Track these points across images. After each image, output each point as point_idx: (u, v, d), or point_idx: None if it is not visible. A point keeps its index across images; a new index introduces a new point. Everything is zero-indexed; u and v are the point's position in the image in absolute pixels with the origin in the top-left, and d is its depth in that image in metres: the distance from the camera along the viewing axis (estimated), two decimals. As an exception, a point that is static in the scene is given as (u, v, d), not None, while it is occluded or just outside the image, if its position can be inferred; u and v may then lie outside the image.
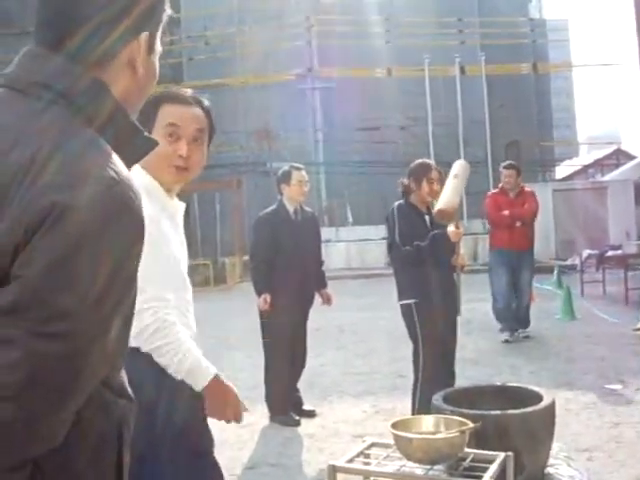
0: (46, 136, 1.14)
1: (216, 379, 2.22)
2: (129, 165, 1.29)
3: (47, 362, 1.06)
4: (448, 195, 4.59)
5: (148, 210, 2.19)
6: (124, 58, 1.28)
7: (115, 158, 1.19)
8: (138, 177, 2.30)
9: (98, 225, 1.10)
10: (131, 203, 1.16)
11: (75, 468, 1.19)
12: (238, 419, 2.31)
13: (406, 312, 5.00)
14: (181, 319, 2.32)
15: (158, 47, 1.38)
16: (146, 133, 1.34)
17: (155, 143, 1.38)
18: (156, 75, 1.39)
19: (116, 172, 1.15)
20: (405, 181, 5.10)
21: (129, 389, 1.36)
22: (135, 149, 1.32)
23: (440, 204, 4.58)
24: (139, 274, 2.13)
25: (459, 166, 4.84)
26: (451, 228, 4.77)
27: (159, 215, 2.27)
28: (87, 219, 1.09)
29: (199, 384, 2.18)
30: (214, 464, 2.41)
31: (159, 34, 1.37)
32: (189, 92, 2.42)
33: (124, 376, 1.35)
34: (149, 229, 2.16)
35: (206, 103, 2.42)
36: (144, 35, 1.29)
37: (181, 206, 2.44)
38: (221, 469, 2.43)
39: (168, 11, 1.39)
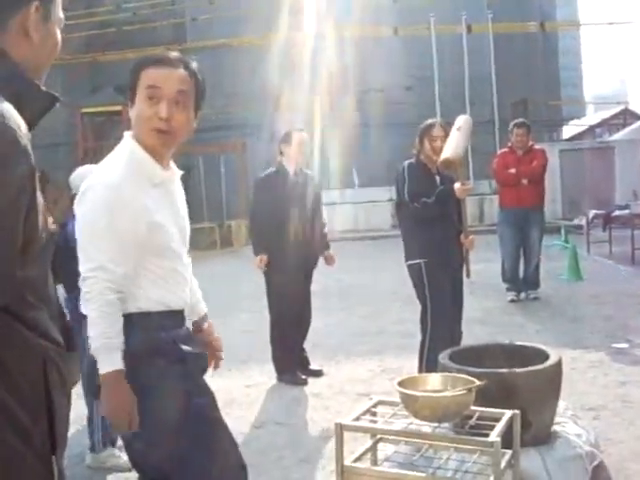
0: None
1: (115, 375, 2.14)
2: (35, 119, 1.43)
3: None
4: (452, 145, 4.63)
5: (116, 181, 2.21)
6: (17, 26, 1.43)
7: (6, 104, 1.32)
8: (126, 145, 2.32)
9: None
10: (10, 132, 1.28)
11: (4, 406, 1.31)
12: (119, 427, 2.23)
13: (414, 272, 4.98)
14: (167, 288, 2.32)
15: (57, 15, 1.53)
16: (44, 88, 1.45)
17: (54, 98, 1.47)
18: (57, 41, 1.54)
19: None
20: (415, 141, 5.10)
21: (58, 335, 1.46)
22: (36, 104, 1.44)
23: (444, 154, 4.62)
24: (91, 241, 2.19)
25: (462, 120, 4.85)
26: (457, 184, 4.76)
27: (134, 185, 2.25)
28: None
29: (100, 368, 2.15)
30: (220, 424, 2.42)
31: (57, 2, 1.53)
32: (174, 54, 2.36)
33: (50, 321, 1.44)
34: (110, 199, 2.19)
35: (193, 65, 2.35)
36: (34, 5, 1.44)
37: (176, 173, 2.42)
38: (228, 428, 2.44)
39: None
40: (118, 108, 20.98)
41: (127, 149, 2.32)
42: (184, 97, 2.30)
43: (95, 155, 21.54)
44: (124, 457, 3.95)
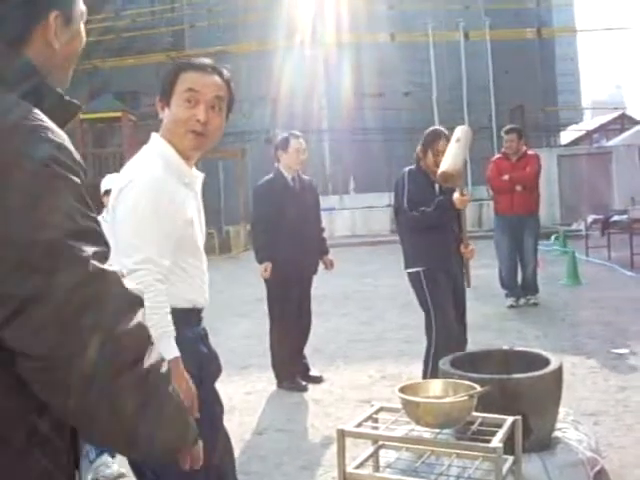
0: None
1: (175, 362, 2.14)
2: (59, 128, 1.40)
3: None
4: (451, 158, 4.55)
5: (159, 175, 2.24)
6: (37, 37, 1.39)
7: (38, 112, 1.28)
8: (156, 145, 2.34)
9: (25, 168, 1.18)
10: (58, 146, 1.25)
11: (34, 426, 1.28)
12: None
13: (415, 280, 4.97)
14: (194, 285, 2.36)
15: (78, 12, 1.47)
16: (67, 97, 1.42)
17: (78, 107, 1.45)
18: (82, 40, 1.50)
19: (41, 120, 1.26)
20: (418, 147, 5.04)
21: None
22: (59, 114, 1.41)
23: (443, 167, 4.52)
24: (137, 234, 2.18)
25: (461, 131, 4.78)
26: (456, 195, 4.73)
27: (172, 181, 2.31)
28: (14, 163, 1.17)
29: None
30: (223, 431, 2.43)
31: (77, 2, 1.47)
32: (208, 61, 2.44)
33: None
34: (154, 191, 2.21)
35: (226, 73, 2.43)
36: (52, 14, 1.39)
37: (199, 176, 2.48)
38: (229, 435, 2.45)
39: None
40: (118, 114, 21.03)
41: (158, 149, 2.36)
42: (220, 102, 2.37)
43: (95, 162, 21.57)
44: (115, 466, 3.92)
